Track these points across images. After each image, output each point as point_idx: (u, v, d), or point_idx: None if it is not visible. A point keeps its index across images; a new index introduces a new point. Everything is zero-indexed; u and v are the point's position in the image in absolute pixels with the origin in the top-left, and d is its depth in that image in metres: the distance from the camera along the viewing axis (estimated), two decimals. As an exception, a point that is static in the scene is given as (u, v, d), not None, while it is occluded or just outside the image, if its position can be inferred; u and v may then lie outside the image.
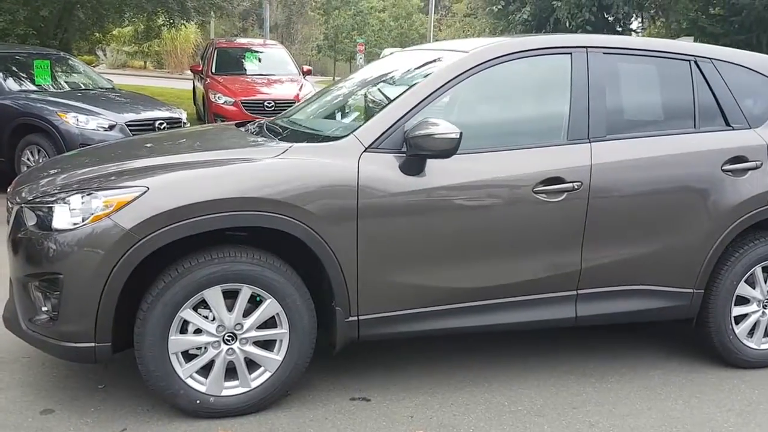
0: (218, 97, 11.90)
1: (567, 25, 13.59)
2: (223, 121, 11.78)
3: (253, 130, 3.91)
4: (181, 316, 3.06)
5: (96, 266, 2.94)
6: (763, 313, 3.88)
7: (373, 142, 3.24)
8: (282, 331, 3.20)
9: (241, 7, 20.83)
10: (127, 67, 33.11)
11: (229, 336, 3.15)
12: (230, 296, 3.13)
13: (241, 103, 11.75)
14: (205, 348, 3.14)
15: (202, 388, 3.15)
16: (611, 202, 3.52)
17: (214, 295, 3.08)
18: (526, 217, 3.41)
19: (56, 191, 3.12)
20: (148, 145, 3.93)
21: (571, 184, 3.42)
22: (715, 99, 3.81)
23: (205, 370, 3.18)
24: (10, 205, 3.42)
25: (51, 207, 3.07)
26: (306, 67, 13.88)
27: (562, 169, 3.43)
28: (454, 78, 3.40)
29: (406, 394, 3.47)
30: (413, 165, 3.23)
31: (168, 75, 31.46)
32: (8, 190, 3.59)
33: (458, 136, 3.10)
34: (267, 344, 3.23)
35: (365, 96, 3.97)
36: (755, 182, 3.72)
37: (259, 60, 13.47)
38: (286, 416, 3.24)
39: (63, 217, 3.02)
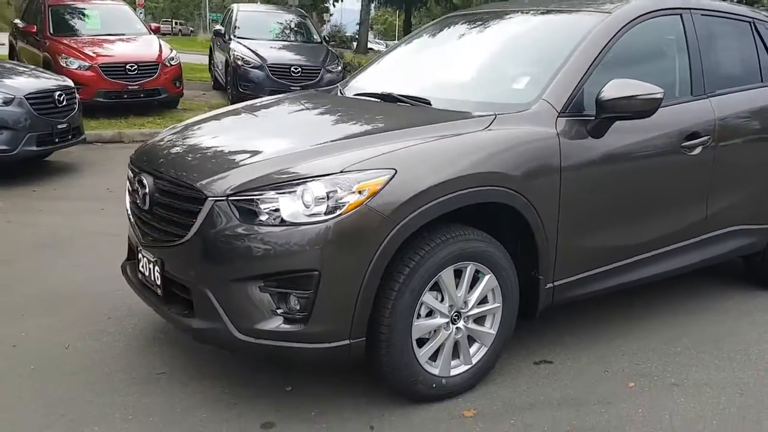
0: (70, 62, 10.66)
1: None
2: (78, 88, 10.62)
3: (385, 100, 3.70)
4: (423, 300, 2.92)
5: (358, 258, 2.71)
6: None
7: (563, 107, 3.25)
8: (496, 305, 3.17)
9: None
10: None
11: (455, 315, 3.06)
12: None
13: (100, 67, 10.64)
14: (435, 331, 3.02)
15: (435, 371, 3.05)
16: (729, 152, 3.88)
17: (448, 275, 2.97)
18: (678, 172, 3.67)
19: (280, 179, 2.77)
20: (310, 118, 3.64)
21: (705, 138, 3.71)
22: (770, 55, 4.28)
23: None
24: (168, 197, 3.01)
25: (274, 198, 2.74)
26: (154, 25, 12.84)
27: (698, 123, 3.71)
28: (612, 38, 3.49)
29: (582, 353, 3.60)
30: (600, 128, 3.31)
31: None
32: (145, 184, 3.12)
33: (662, 96, 3.22)
34: (479, 320, 3.18)
35: (503, 60, 3.89)
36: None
37: (101, 18, 12.18)
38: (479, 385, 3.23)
39: (299, 207, 2.73)
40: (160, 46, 11.60)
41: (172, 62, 11.45)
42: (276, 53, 12.11)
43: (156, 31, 12.49)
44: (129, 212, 3.42)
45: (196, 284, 2.90)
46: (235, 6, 13.88)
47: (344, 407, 3.04)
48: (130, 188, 3.41)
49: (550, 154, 3.16)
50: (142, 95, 11.06)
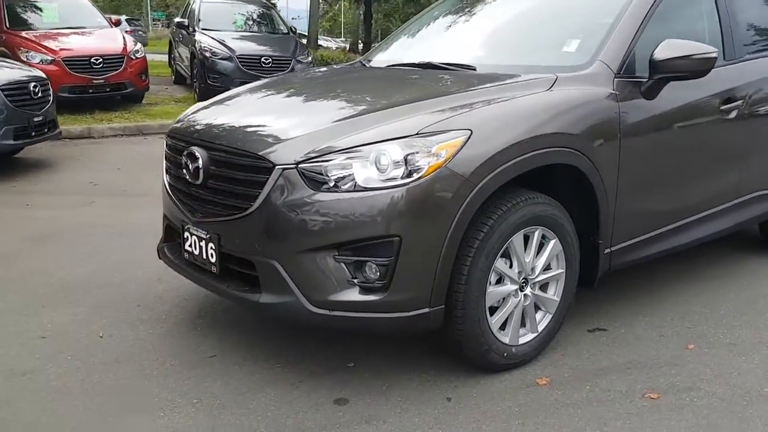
0: (31, 56, 10.24)
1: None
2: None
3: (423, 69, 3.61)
4: (495, 266, 2.84)
5: (439, 222, 2.63)
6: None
7: (618, 68, 3.22)
8: (560, 271, 3.13)
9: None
10: None
11: (523, 282, 3.00)
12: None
13: (64, 61, 10.26)
14: (505, 299, 2.96)
15: (506, 340, 2.99)
16: (758, 116, 3.91)
17: (518, 240, 2.91)
18: (718, 135, 3.69)
19: (352, 144, 2.67)
20: (356, 87, 3.52)
21: (739, 101, 3.73)
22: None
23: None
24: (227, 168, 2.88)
25: (347, 164, 2.64)
26: (114, 18, 12.45)
27: (734, 88, 3.73)
28: (655, 2, 3.45)
29: (631, 319, 3.59)
30: (654, 89, 3.29)
31: None
32: (198, 159, 2.97)
33: (716, 56, 3.21)
34: (544, 287, 3.13)
35: (545, 24, 3.82)
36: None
37: (59, 11, 11.73)
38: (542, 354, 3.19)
39: (373, 171, 2.63)
40: (124, 38, 11.26)
41: (138, 55, 11.13)
42: (245, 44, 11.87)
43: (117, 25, 12.08)
44: (169, 191, 3.25)
45: (263, 258, 2.76)
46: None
47: (413, 381, 2.96)
48: (171, 165, 3.25)
49: (611, 115, 3.12)
50: (108, 89, 10.72)
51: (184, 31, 13.09)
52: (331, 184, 2.63)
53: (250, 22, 13.52)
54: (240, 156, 2.82)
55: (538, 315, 3.12)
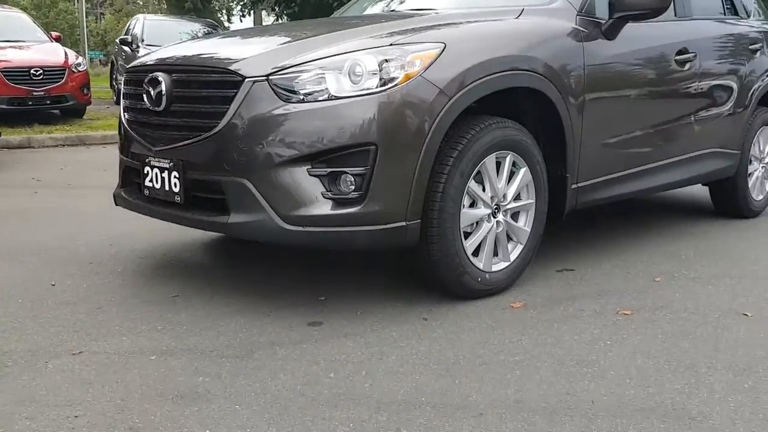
0: (-33, 67, 9.92)
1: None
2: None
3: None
4: (468, 187, 2.83)
5: (414, 132, 2.60)
6: (765, 168, 4.72)
7: (580, 6, 3.29)
8: (530, 201, 3.13)
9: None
10: None
11: (495, 208, 2.98)
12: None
13: (2, 72, 9.96)
14: (478, 223, 2.93)
15: (480, 265, 2.95)
16: (707, 71, 4.03)
17: (491, 162, 2.91)
18: (674, 84, 3.78)
19: (325, 54, 2.63)
20: (322, 24, 3.52)
21: (691, 54, 3.84)
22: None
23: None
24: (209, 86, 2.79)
25: (320, 75, 2.60)
26: (54, 33, 12.21)
27: (686, 41, 3.85)
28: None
29: (598, 261, 3.60)
30: (613, 29, 3.36)
31: None
32: (161, 80, 2.88)
33: None
34: (515, 216, 3.12)
35: None
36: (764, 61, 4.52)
37: (-4, 25, 11.43)
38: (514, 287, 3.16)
39: (347, 81, 2.59)
40: (65, 52, 11.03)
41: (80, 68, 10.89)
42: (190, 58, 11.76)
43: (57, 40, 11.83)
44: (128, 127, 3.14)
45: (231, 177, 2.67)
46: (141, 16, 13.41)
47: (387, 308, 2.89)
48: (130, 101, 3.15)
49: (576, 48, 3.17)
50: (48, 102, 10.43)
51: (127, 48, 12.89)
52: (304, 96, 2.58)
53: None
54: (206, 73, 2.75)
55: (510, 245, 3.09)
